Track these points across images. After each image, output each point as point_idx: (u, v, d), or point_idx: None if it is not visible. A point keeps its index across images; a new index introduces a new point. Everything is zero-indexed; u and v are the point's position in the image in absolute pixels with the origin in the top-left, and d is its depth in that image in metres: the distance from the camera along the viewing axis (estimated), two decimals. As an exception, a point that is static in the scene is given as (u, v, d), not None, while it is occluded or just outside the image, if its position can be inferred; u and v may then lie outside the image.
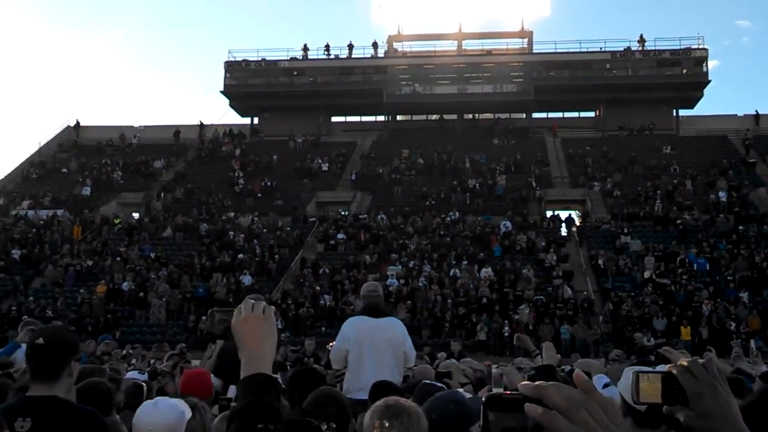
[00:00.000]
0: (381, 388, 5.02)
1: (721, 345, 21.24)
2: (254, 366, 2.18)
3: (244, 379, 2.16)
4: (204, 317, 27.45)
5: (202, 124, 52.90)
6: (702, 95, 50.87)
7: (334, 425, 3.91)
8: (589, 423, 1.14)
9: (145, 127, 53.53)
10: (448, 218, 37.83)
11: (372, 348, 6.95)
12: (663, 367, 1.73)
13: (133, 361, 15.35)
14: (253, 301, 2.35)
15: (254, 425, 2.07)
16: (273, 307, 2.38)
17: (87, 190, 43.61)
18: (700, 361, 1.70)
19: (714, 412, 1.61)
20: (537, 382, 1.17)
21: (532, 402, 1.16)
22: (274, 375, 2.28)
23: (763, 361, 9.82)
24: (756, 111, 49.25)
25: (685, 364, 1.67)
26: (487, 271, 32.43)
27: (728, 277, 31.21)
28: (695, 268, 32.02)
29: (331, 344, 7.70)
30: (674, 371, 1.65)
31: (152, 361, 14.21)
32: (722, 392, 1.63)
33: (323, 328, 28.86)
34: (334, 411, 4.02)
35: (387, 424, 2.92)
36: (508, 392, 1.20)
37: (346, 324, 7.53)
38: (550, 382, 1.19)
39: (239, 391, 2.17)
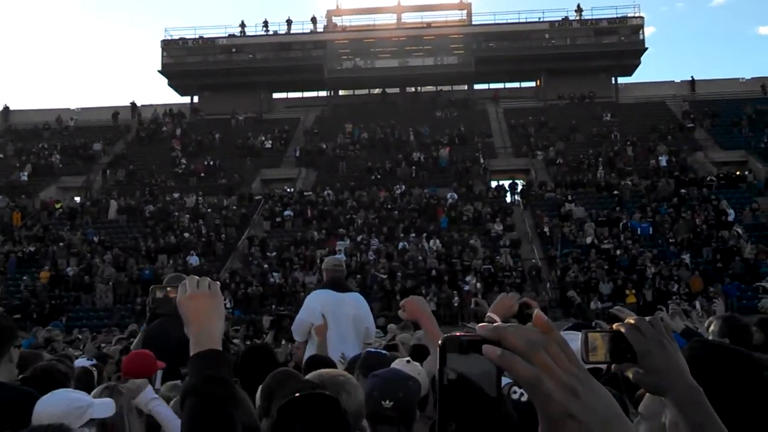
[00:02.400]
0: (314, 362, 5.06)
1: (666, 306, 21.72)
2: (203, 343, 2.15)
3: (195, 356, 2.13)
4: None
5: (134, 104, 51.74)
6: (639, 62, 51.48)
7: None
8: (549, 364, 1.09)
9: (82, 109, 52.32)
10: (395, 192, 37.85)
11: (336, 321, 6.98)
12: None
13: (81, 346, 15.13)
14: (197, 277, 2.32)
15: (209, 402, 2.06)
16: (218, 282, 2.34)
17: (25, 176, 42.54)
18: (647, 318, 1.73)
19: (662, 368, 1.64)
20: (495, 324, 1.12)
21: (490, 344, 1.11)
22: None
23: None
24: (692, 77, 50.22)
25: (633, 322, 1.69)
26: (434, 243, 32.60)
27: (670, 240, 31.87)
28: (638, 233, 32.62)
29: None
30: (622, 329, 1.67)
31: (103, 346, 14.04)
32: (670, 348, 1.66)
33: (273, 306, 28.79)
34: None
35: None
36: (466, 334, 1.15)
37: (310, 296, 7.55)
38: (508, 324, 1.13)
39: (190, 368, 2.13)
